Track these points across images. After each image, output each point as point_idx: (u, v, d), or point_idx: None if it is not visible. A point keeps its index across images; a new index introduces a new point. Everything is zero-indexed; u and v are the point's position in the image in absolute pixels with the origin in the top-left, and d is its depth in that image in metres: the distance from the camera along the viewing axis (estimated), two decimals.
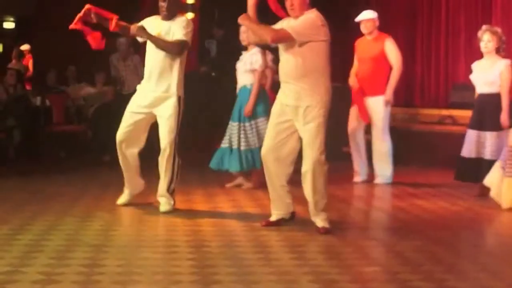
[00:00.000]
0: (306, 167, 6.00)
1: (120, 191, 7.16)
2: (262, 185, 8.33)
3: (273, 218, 6.31)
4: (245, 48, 8.23)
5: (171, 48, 6.74)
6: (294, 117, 6.06)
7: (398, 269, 4.88)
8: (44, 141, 10.48)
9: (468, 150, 7.92)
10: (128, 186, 7.10)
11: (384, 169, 8.80)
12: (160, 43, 6.74)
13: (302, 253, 5.29)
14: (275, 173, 6.20)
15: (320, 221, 6.07)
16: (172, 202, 6.89)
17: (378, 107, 8.75)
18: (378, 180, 8.81)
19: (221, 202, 7.50)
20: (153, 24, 6.82)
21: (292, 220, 6.33)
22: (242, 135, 8.15)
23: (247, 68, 8.11)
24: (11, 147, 10.09)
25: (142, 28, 6.74)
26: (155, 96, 6.85)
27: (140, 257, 5.12)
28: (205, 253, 5.26)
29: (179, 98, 6.84)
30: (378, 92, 8.72)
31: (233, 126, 8.22)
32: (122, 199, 7.10)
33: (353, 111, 8.86)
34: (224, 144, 8.28)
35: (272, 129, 6.20)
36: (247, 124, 8.15)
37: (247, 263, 5.02)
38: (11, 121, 9.90)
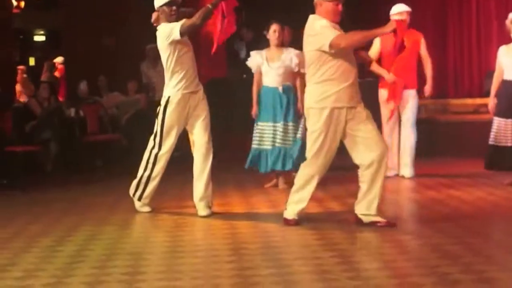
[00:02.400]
0: (382, 157, 5.97)
1: (155, 198, 7.19)
2: None
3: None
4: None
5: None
6: (348, 117, 5.98)
7: (437, 262, 4.87)
8: (80, 151, 10.60)
9: (500, 138, 7.90)
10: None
11: (411, 162, 8.79)
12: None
13: (341, 251, 5.30)
14: None
15: (380, 217, 6.08)
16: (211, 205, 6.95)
17: (410, 100, 8.74)
18: (407, 173, 8.77)
19: (258, 203, 7.53)
20: None
21: None
22: (285, 134, 8.16)
23: (291, 68, 8.11)
24: (48, 160, 10.23)
25: None
26: (198, 97, 6.94)
27: (180, 263, 5.16)
28: (244, 255, 5.29)
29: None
30: (410, 86, 8.71)
31: (289, 126, 8.20)
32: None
33: (385, 105, 8.82)
34: (273, 144, 8.26)
35: (332, 149, 6.05)
36: (291, 123, 8.18)
37: (287, 263, 5.04)
38: (47, 134, 10.04)
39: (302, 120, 8.21)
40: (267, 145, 8.18)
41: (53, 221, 6.89)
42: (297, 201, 6.23)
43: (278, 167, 8.17)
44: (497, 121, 7.98)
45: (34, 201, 8.22)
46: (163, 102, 6.91)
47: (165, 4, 6.84)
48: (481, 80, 12.09)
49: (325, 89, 5.94)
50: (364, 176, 6.03)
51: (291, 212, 6.28)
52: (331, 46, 5.83)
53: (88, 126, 10.94)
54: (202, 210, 6.86)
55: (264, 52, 8.24)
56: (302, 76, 8.23)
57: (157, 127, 6.94)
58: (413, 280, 4.51)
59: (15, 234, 6.31)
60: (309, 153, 6.08)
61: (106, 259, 5.29)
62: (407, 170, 8.79)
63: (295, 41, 7.86)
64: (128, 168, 10.44)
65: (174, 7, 6.83)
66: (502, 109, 7.93)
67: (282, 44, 8.19)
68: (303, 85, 8.17)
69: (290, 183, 8.25)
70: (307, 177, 6.13)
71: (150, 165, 6.97)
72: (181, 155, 7.98)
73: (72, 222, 6.82)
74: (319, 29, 5.93)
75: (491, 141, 8.01)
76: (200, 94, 6.96)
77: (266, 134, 8.22)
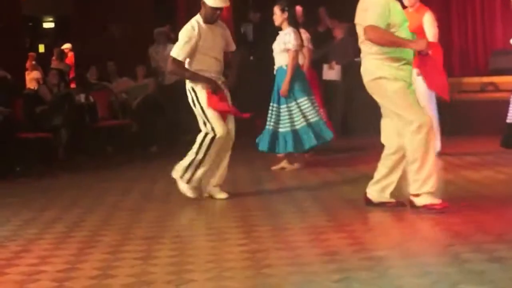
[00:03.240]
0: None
1: (167, 182, 7.24)
2: (307, 165, 8.42)
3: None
4: (281, 29, 8.25)
5: None
6: None
7: (448, 242, 4.87)
8: (90, 137, 10.64)
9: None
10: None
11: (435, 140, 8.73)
12: None
13: (351, 232, 5.31)
14: None
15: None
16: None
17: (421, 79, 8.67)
18: None
19: (268, 186, 7.55)
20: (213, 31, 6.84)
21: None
22: (284, 116, 8.16)
23: (282, 48, 8.12)
24: (59, 146, 10.27)
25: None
26: None
27: (192, 247, 5.20)
28: (255, 238, 5.31)
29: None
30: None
31: (273, 108, 8.25)
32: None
33: None
34: (269, 126, 8.30)
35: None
36: (283, 106, 8.16)
37: (298, 245, 5.05)
38: (58, 120, 10.07)
39: (304, 100, 8.17)
40: (272, 125, 8.24)
41: (66, 207, 6.94)
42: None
43: (289, 149, 8.18)
44: None
45: (46, 188, 8.28)
46: (192, 93, 6.79)
47: (212, 6, 6.71)
48: (486, 59, 12.03)
49: (388, 63, 5.75)
50: (387, 159, 5.93)
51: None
52: (364, 31, 5.67)
53: (98, 112, 10.98)
54: (220, 194, 6.89)
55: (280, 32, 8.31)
56: (290, 54, 8.14)
57: (202, 116, 6.77)
58: (424, 260, 4.52)
59: (28, 221, 6.36)
60: (412, 114, 5.71)
61: (119, 244, 5.33)
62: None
63: None
64: (139, 153, 10.55)
65: (218, 12, 6.78)
66: None
67: (294, 25, 8.17)
68: (291, 65, 8.11)
69: (300, 164, 8.33)
70: (424, 142, 5.69)
71: (203, 149, 6.75)
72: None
73: (84, 208, 6.87)
74: (370, 5, 5.70)
75: (509, 119, 7.93)
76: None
77: (272, 114, 8.29)
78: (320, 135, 8.13)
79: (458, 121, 10.37)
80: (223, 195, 6.88)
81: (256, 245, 5.09)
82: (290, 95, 8.11)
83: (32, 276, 4.61)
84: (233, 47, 7.00)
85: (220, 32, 6.87)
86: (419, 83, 8.64)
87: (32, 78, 11.47)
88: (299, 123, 8.10)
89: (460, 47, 12.61)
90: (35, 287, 4.40)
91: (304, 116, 8.11)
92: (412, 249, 4.83)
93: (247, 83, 10.98)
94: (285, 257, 4.73)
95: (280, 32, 8.21)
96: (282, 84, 8.10)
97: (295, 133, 8.09)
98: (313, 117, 8.14)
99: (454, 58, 12.63)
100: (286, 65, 8.12)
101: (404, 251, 4.78)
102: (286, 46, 8.05)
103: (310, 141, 8.08)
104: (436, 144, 8.70)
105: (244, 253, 4.88)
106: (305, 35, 8.54)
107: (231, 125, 6.87)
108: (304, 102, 8.14)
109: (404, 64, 5.78)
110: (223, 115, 6.75)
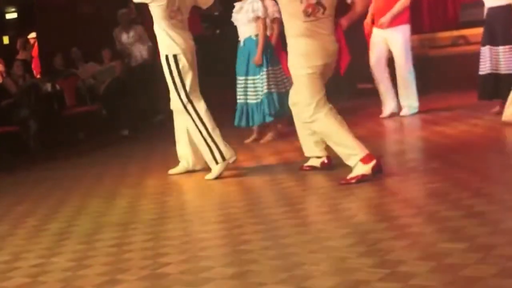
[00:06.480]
0: None
1: (140, 165, 7.13)
2: (280, 135, 8.34)
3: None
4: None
5: None
6: None
7: (424, 202, 4.82)
8: (60, 126, 10.49)
9: (484, 67, 7.79)
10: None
11: (411, 100, 8.69)
12: None
13: (327, 200, 5.24)
14: None
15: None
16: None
17: (396, 37, 8.63)
18: (405, 111, 8.69)
19: (241, 159, 7.44)
20: None
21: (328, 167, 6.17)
22: (254, 87, 8.07)
23: (250, 17, 7.96)
24: (29, 138, 10.11)
25: None
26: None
27: (167, 229, 5.09)
28: (231, 214, 5.22)
29: (166, 57, 6.75)
30: (394, 23, 8.59)
31: (243, 80, 8.12)
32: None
33: (373, 43, 8.71)
34: (240, 100, 8.21)
35: None
36: (257, 77, 8.05)
37: (274, 218, 4.96)
38: (25, 112, 9.90)
39: (264, 70, 8.06)
40: (242, 99, 8.13)
41: (39, 200, 6.82)
42: None
43: (252, 123, 8.13)
44: (482, 50, 7.83)
45: (18, 181, 8.14)
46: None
47: None
48: (456, 12, 11.92)
49: None
50: None
51: None
52: None
53: (66, 99, 10.81)
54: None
55: (237, 4, 8.13)
56: (262, 23, 8.02)
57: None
58: (401, 222, 4.44)
59: (0, 217, 6.24)
60: None
61: (93, 233, 5.21)
62: (405, 110, 8.70)
63: None
64: (110, 138, 10.42)
65: None
66: (485, 37, 7.79)
67: None
68: (262, 33, 8.00)
69: (273, 135, 8.25)
70: None
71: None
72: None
73: (57, 198, 6.75)
74: None
75: (481, 71, 7.86)
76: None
77: (240, 88, 8.17)
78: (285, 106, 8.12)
79: (430, 77, 10.28)
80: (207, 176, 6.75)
81: (232, 221, 5.00)
82: (259, 66, 8.02)
83: (5, 274, 4.49)
84: None
85: None
86: (397, 39, 8.63)
87: None
88: (263, 93, 8.01)
89: (429, 2, 12.48)
90: (8, 285, 4.28)
91: (273, 85, 8.03)
92: (389, 212, 4.75)
93: (216, 57, 10.85)
94: (261, 231, 4.64)
95: (241, 2, 8.05)
96: (256, 54, 7.96)
97: (261, 103, 8.01)
98: (281, 88, 8.10)
99: (423, 14, 12.49)
100: (256, 35, 7.98)
101: (381, 214, 4.71)
102: (255, 14, 7.89)
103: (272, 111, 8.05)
104: (414, 103, 8.69)
105: (219, 231, 4.79)
106: (275, 7, 8.38)
107: None
108: (273, 71, 8.06)
109: None
110: None
